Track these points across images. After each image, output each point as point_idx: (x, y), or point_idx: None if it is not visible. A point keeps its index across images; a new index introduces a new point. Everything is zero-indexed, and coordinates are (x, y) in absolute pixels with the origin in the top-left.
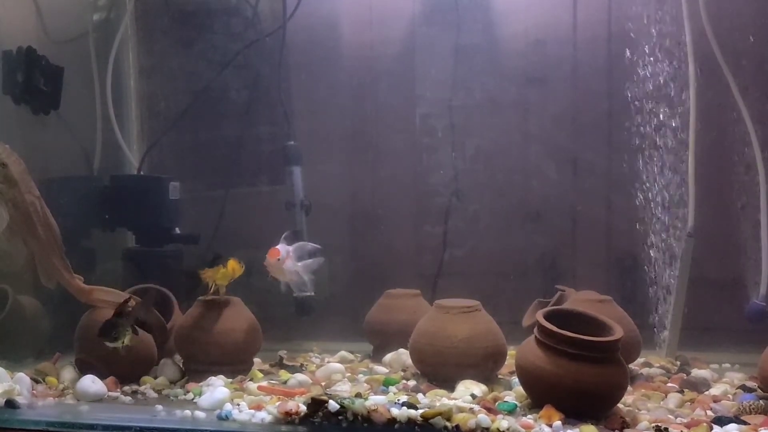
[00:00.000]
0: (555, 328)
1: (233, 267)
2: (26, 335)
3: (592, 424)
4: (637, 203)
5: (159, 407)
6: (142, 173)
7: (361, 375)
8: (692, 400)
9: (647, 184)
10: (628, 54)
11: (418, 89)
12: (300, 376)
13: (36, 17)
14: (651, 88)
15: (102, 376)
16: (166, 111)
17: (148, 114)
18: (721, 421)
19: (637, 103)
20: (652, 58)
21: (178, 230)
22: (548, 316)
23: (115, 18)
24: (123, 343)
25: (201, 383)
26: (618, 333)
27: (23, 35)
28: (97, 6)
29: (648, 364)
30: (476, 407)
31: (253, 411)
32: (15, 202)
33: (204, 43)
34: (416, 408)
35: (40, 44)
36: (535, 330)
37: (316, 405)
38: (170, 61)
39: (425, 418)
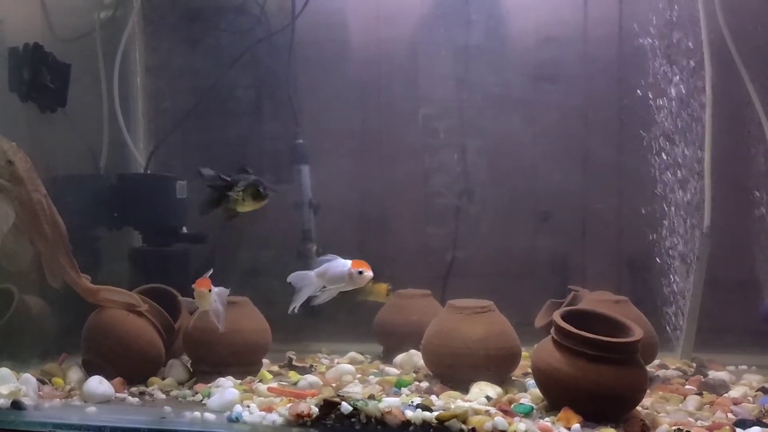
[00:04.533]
0: (574, 329)
1: (379, 290)
2: (32, 335)
3: (611, 427)
4: (651, 202)
5: (167, 409)
6: (149, 172)
7: (372, 376)
8: (711, 403)
9: (661, 184)
10: (640, 52)
11: (427, 87)
12: (310, 378)
13: (42, 15)
14: (665, 87)
15: (109, 377)
16: (173, 109)
17: (155, 112)
18: (743, 424)
19: (649, 101)
20: (665, 56)
21: (185, 229)
22: (565, 317)
23: (122, 15)
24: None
25: (209, 384)
26: (637, 334)
27: (30, 32)
28: (104, 4)
29: (664, 366)
30: (492, 410)
31: (263, 413)
32: (21, 200)
33: (211, 40)
34: (431, 410)
35: (47, 42)
36: (553, 331)
37: (329, 407)
38: (177, 59)
39: (440, 421)
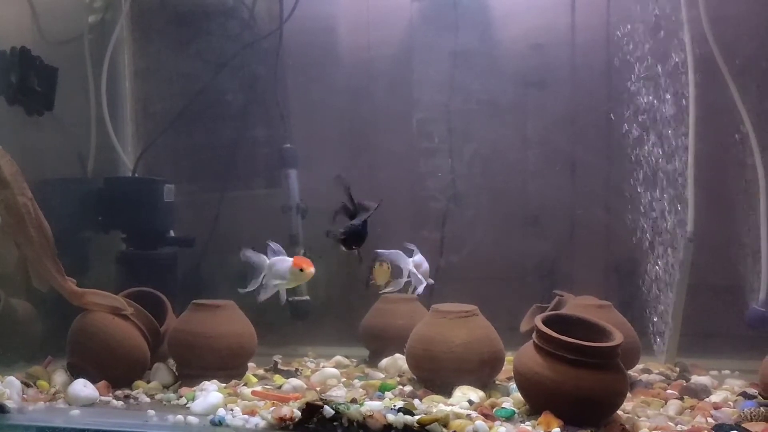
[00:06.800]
0: (554, 334)
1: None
2: (18, 338)
3: (591, 431)
4: (636, 207)
5: (151, 412)
6: (136, 175)
7: (356, 380)
8: (692, 407)
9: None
10: (627, 57)
11: (415, 92)
12: (295, 381)
13: (31, 18)
14: (649, 92)
15: (94, 380)
16: (162, 113)
17: (143, 116)
18: (722, 428)
19: (635, 106)
20: (650, 62)
21: (172, 233)
22: (547, 322)
23: (111, 19)
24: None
25: (194, 388)
26: (618, 339)
27: (18, 35)
28: (92, 7)
29: (647, 371)
30: (473, 413)
31: (246, 416)
32: (7, 203)
33: (200, 44)
34: (412, 414)
35: (35, 45)
36: (534, 335)
37: (311, 410)
38: (166, 63)
39: (422, 425)
